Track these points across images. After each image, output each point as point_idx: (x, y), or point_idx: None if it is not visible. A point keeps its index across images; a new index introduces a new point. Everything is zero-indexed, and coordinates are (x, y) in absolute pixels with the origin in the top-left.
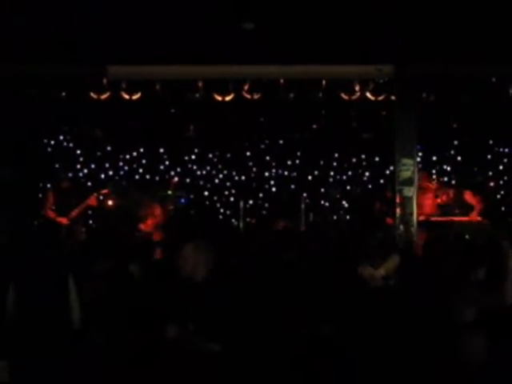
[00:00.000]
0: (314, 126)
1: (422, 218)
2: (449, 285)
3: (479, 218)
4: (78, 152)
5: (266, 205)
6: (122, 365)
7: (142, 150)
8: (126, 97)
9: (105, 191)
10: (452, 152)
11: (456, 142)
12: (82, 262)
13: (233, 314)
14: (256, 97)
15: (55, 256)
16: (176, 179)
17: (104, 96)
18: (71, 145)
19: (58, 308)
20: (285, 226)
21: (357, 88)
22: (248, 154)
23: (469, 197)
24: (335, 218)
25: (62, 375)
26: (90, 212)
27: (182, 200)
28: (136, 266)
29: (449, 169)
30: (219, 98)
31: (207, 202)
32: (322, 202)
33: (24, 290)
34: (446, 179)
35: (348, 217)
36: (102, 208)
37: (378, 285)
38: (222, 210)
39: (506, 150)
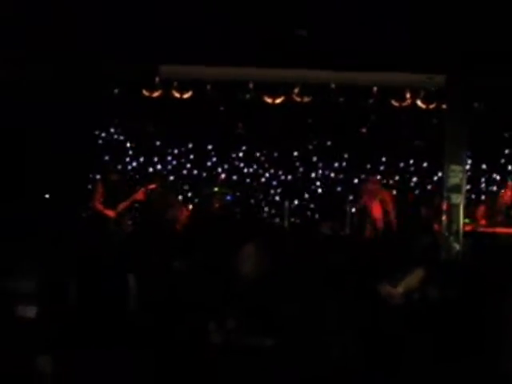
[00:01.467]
0: (364, 130)
1: (468, 228)
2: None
3: None
4: (128, 145)
5: (312, 206)
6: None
7: (190, 145)
8: (177, 95)
9: (152, 186)
10: (502, 161)
11: (507, 151)
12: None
13: (285, 310)
14: (306, 100)
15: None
16: (223, 176)
17: (156, 94)
18: (122, 138)
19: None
20: (331, 228)
21: (408, 95)
22: (295, 154)
23: None
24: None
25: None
26: (137, 206)
27: (228, 197)
28: (178, 262)
29: (498, 178)
30: (269, 100)
31: (252, 201)
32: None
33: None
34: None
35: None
36: (150, 202)
37: (398, 303)
38: (266, 209)
39: None
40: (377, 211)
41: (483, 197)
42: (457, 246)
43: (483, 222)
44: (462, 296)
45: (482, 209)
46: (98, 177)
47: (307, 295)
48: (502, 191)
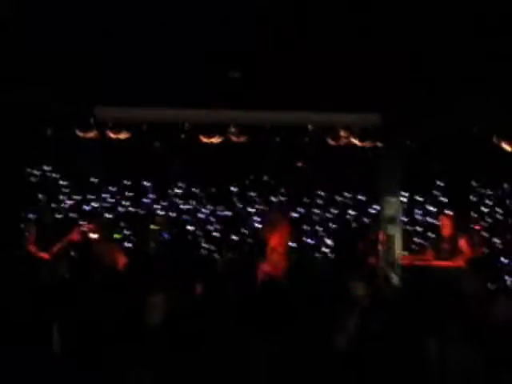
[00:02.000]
0: (300, 164)
1: (405, 262)
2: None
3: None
4: (62, 183)
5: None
6: None
7: (126, 182)
8: (112, 136)
9: (88, 226)
10: (436, 192)
11: (440, 183)
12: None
13: None
14: (242, 139)
15: None
16: (159, 218)
17: (90, 134)
18: (56, 175)
19: None
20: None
21: (343, 134)
22: (233, 189)
23: (463, 244)
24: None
25: None
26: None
27: (165, 235)
28: None
29: (434, 209)
30: (205, 140)
31: (190, 237)
32: (305, 240)
33: None
34: None
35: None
36: (86, 242)
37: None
38: (205, 245)
39: (489, 191)
40: (274, 241)
41: (418, 228)
42: (394, 277)
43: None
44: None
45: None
46: (31, 216)
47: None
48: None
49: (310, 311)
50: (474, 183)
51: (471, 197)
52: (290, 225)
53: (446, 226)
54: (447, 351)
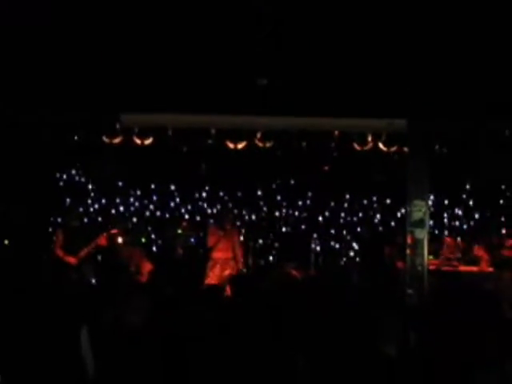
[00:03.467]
0: (326, 168)
1: (432, 267)
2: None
3: (489, 269)
4: (90, 187)
5: (276, 245)
6: None
7: (152, 186)
8: (138, 142)
9: (114, 231)
10: (464, 196)
11: (468, 186)
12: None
13: None
14: (268, 145)
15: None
16: (185, 223)
17: (116, 140)
18: (83, 180)
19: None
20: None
21: (369, 139)
22: (259, 193)
23: (478, 251)
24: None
25: None
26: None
27: (192, 239)
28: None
29: (460, 213)
30: (231, 146)
31: None
32: (333, 244)
33: None
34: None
35: (358, 260)
36: (113, 247)
37: None
38: None
39: None
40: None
41: (446, 232)
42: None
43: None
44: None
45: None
46: (59, 220)
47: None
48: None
49: (347, 320)
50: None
51: (501, 201)
52: (238, 233)
53: (449, 247)
54: None
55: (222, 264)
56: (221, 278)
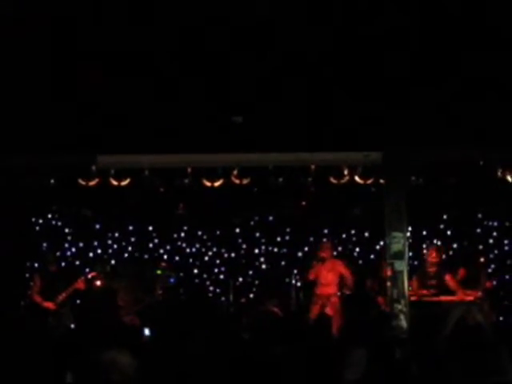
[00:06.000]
0: (304, 203)
1: (413, 298)
2: None
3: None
4: (66, 230)
5: (256, 282)
6: None
7: (130, 227)
8: (115, 183)
9: (92, 274)
10: (441, 226)
11: (445, 217)
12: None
13: None
14: (245, 182)
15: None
16: (164, 263)
17: (92, 183)
18: (59, 223)
19: None
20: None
21: (345, 172)
22: (237, 230)
23: (449, 279)
24: None
25: None
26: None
27: (172, 280)
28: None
29: (439, 243)
30: (208, 184)
31: (196, 281)
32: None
33: None
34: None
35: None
36: (91, 291)
37: None
38: (211, 288)
39: (495, 223)
40: None
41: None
42: (402, 319)
43: (420, 291)
44: None
45: (414, 280)
46: (36, 265)
47: None
48: (427, 253)
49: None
50: (479, 216)
51: (477, 230)
52: None
53: (433, 257)
54: None
55: None
56: None
